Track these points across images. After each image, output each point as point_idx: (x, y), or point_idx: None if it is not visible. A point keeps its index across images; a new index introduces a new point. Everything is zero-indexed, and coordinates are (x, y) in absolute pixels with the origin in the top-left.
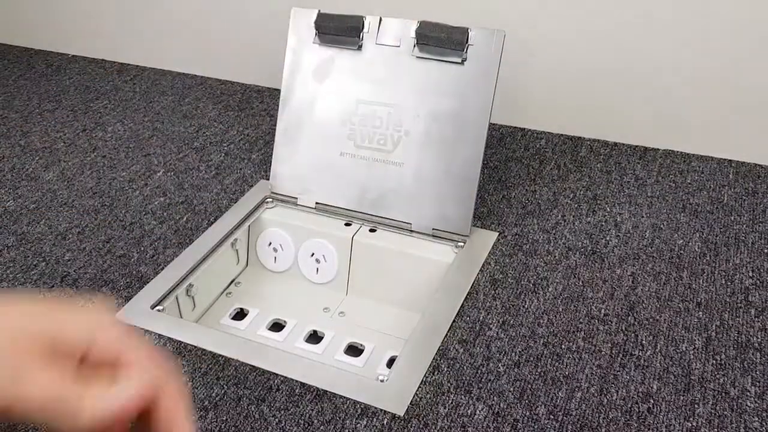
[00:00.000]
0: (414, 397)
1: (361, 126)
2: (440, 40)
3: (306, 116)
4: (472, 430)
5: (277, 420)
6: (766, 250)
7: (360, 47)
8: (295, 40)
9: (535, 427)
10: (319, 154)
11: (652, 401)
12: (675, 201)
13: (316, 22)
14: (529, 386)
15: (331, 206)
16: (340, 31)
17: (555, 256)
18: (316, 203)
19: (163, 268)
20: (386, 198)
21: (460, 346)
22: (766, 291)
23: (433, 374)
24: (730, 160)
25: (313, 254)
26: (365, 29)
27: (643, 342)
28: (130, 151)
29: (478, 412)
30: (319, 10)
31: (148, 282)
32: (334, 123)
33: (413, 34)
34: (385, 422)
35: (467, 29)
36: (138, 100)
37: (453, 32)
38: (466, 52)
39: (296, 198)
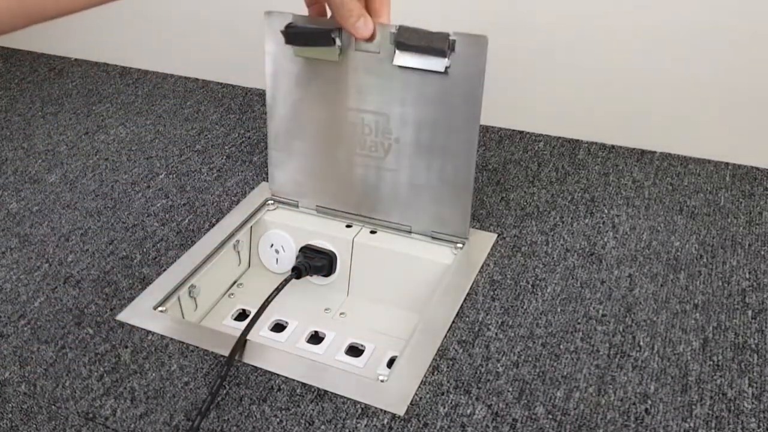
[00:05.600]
0: (414, 397)
1: (351, 133)
2: (420, 48)
3: (294, 124)
4: (472, 430)
5: (278, 420)
6: (762, 252)
7: (339, 53)
8: (273, 46)
9: (534, 426)
10: (313, 160)
11: (649, 402)
12: (672, 203)
13: (288, 40)
14: (528, 386)
15: (332, 209)
16: (315, 38)
17: (553, 258)
18: (317, 206)
19: (165, 270)
20: (384, 203)
21: (460, 346)
22: (762, 293)
23: (433, 374)
24: (727, 163)
25: None
26: (342, 35)
27: (641, 343)
28: (133, 153)
29: (477, 411)
30: (293, 15)
31: (150, 283)
32: (323, 130)
33: (392, 41)
34: (385, 422)
35: (447, 35)
36: (140, 103)
37: (433, 39)
38: (449, 58)
39: (297, 201)
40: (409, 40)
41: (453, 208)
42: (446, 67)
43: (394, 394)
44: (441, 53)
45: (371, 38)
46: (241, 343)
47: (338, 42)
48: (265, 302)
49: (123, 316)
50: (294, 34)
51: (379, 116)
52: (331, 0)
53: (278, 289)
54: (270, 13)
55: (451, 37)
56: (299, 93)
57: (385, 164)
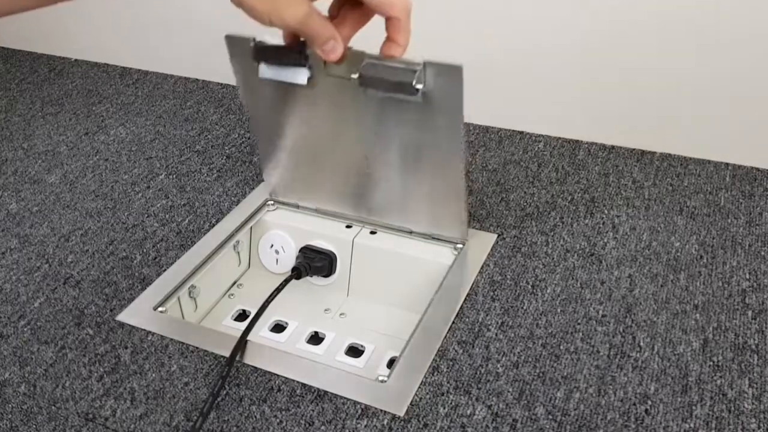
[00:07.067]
0: (414, 397)
1: (336, 150)
2: (387, 83)
3: (279, 141)
4: (472, 430)
5: (278, 420)
6: (762, 253)
7: (310, 78)
8: (239, 70)
9: (534, 427)
10: (304, 171)
11: (649, 402)
12: (672, 204)
13: (254, 56)
14: (528, 387)
15: (332, 211)
16: (285, 55)
17: (553, 258)
18: (317, 207)
19: (165, 270)
20: (380, 209)
21: (460, 347)
22: (762, 293)
23: (433, 375)
24: (727, 164)
25: None
26: (309, 60)
27: (641, 344)
28: (132, 154)
29: (477, 412)
30: (254, 39)
31: (150, 283)
32: (308, 146)
33: (358, 72)
34: (385, 422)
35: (416, 69)
36: (140, 103)
37: (400, 74)
38: (422, 88)
39: (297, 202)
40: (375, 74)
41: (449, 216)
42: (420, 94)
43: (394, 394)
44: (409, 89)
45: (341, 60)
46: (242, 343)
47: (308, 62)
48: (265, 303)
49: (123, 317)
50: (263, 50)
51: (360, 137)
52: (300, 20)
53: (278, 290)
54: (230, 37)
55: (420, 69)
56: (275, 115)
57: (376, 175)
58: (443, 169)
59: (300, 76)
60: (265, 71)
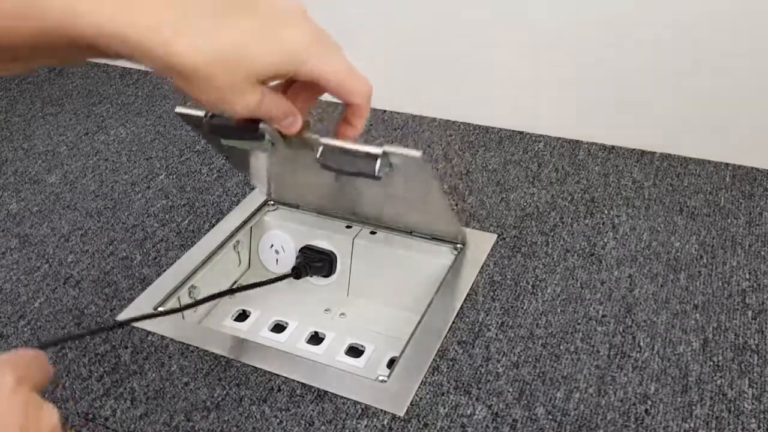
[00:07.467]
0: (414, 397)
1: (315, 182)
2: (347, 171)
3: (256, 174)
4: (472, 430)
5: (278, 420)
6: (762, 253)
7: (271, 146)
8: (200, 130)
9: (534, 427)
10: (293, 189)
11: (649, 402)
12: (672, 204)
13: (211, 131)
14: (528, 387)
15: (332, 213)
16: (241, 130)
17: (553, 258)
18: (317, 207)
19: (165, 270)
20: (378, 215)
21: (460, 347)
22: (762, 293)
23: (433, 375)
24: (727, 164)
25: None
26: (267, 134)
27: (641, 344)
28: (133, 154)
29: (477, 412)
30: (206, 115)
31: (150, 284)
32: (288, 178)
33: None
34: (385, 422)
35: (377, 157)
36: (140, 104)
37: (360, 163)
38: (387, 170)
39: (297, 203)
40: (334, 163)
41: (444, 225)
42: (385, 173)
43: (394, 394)
44: (371, 176)
45: (300, 133)
46: (149, 316)
47: (267, 136)
48: (247, 286)
49: (123, 317)
50: (217, 126)
51: (333, 182)
52: (252, 109)
53: (269, 281)
54: (181, 114)
55: (380, 156)
56: (247, 161)
57: (362, 200)
58: (423, 200)
59: (261, 145)
60: (226, 140)
